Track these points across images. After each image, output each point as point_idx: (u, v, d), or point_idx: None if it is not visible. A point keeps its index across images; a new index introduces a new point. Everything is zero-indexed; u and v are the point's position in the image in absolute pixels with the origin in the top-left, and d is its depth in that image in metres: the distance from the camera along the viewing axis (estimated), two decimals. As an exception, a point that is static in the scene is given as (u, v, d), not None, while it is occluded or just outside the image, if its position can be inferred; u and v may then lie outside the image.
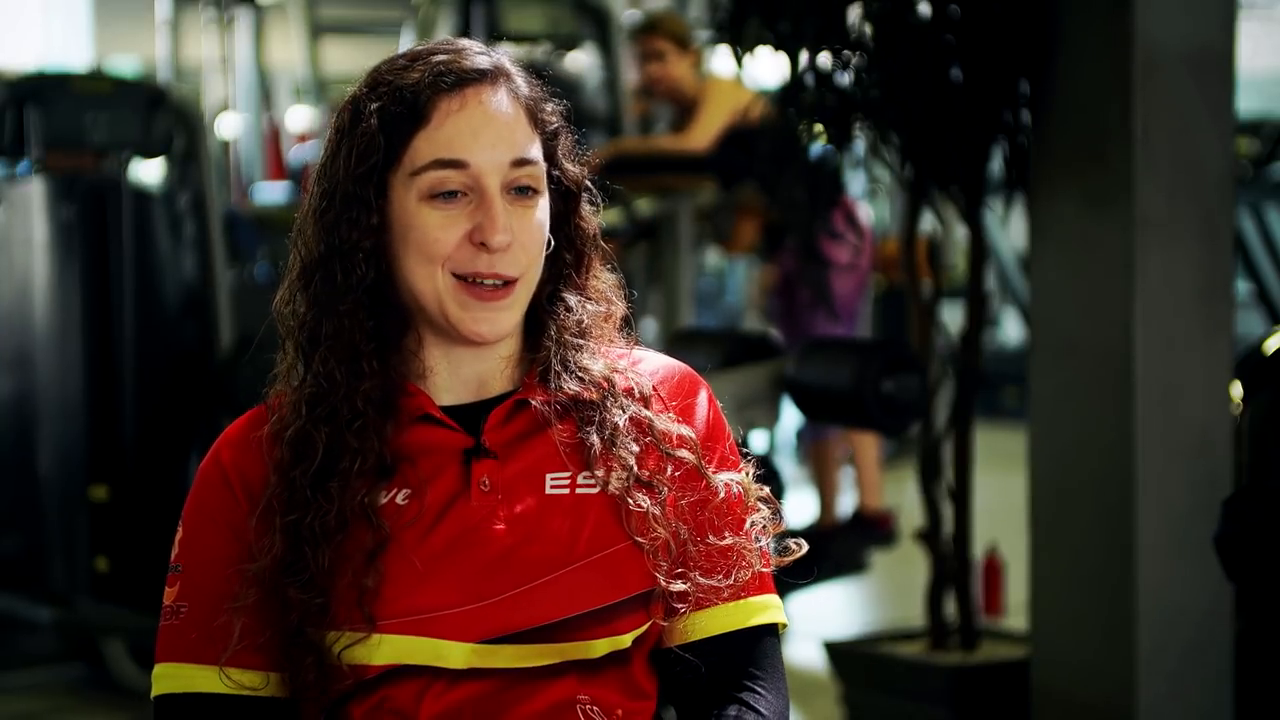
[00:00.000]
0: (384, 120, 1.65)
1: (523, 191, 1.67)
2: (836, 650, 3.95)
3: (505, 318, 1.67)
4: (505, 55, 1.72)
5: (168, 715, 1.67)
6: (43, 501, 4.92)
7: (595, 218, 1.76)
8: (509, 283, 1.66)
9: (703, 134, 5.70)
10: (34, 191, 4.96)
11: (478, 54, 1.69)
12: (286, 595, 1.62)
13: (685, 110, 5.92)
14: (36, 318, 4.94)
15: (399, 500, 1.66)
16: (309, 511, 1.63)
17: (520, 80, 1.70)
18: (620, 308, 1.78)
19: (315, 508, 1.63)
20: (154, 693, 1.68)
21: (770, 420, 4.12)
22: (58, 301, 4.92)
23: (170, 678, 1.67)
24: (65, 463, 4.91)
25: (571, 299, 1.74)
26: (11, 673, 4.94)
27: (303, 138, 10.05)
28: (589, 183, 1.76)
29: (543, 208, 1.69)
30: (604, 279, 1.78)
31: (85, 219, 4.94)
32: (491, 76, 1.67)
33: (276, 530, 1.63)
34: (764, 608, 1.73)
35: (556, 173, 1.72)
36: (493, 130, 1.66)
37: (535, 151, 1.68)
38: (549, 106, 1.72)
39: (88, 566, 4.88)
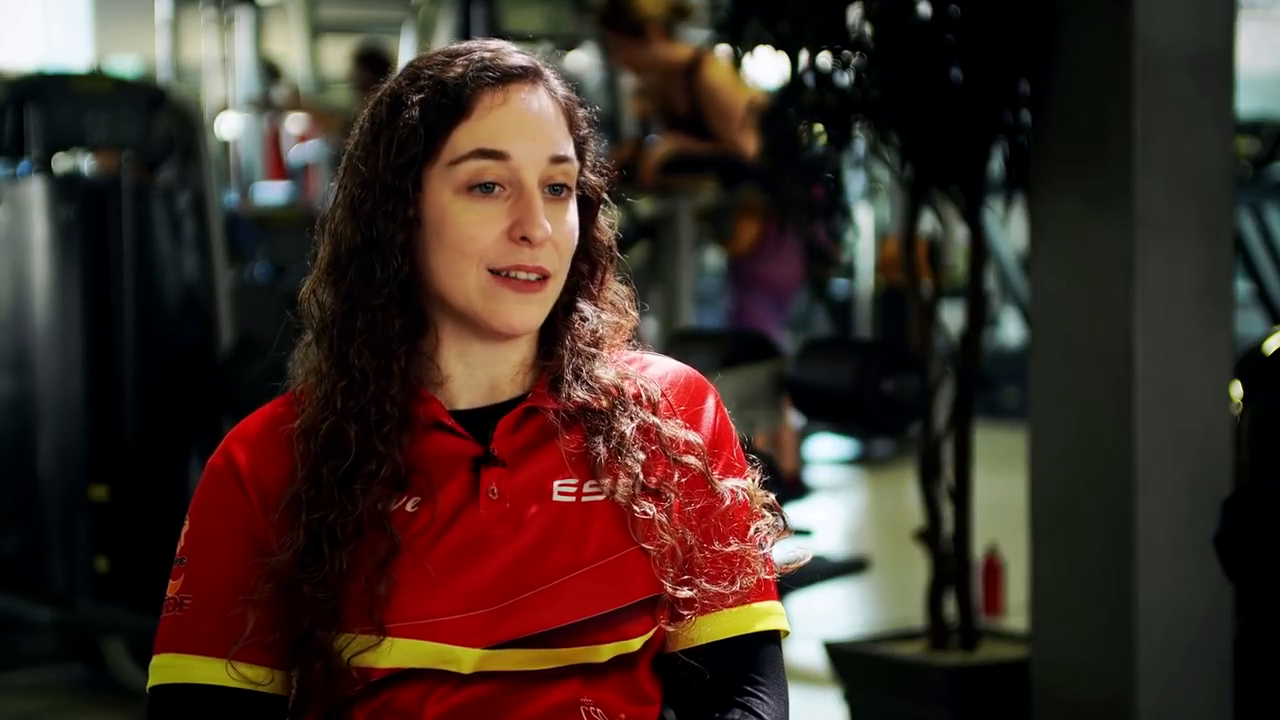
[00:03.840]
0: (425, 112, 1.66)
1: (557, 190, 1.68)
2: (836, 650, 3.95)
3: (536, 311, 1.68)
4: (540, 57, 1.73)
5: (164, 705, 1.67)
6: (43, 501, 4.92)
7: (611, 229, 1.77)
8: (543, 278, 1.66)
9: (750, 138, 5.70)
10: (34, 191, 4.96)
11: (517, 53, 1.70)
12: (300, 594, 1.61)
13: (695, 103, 5.89)
14: (36, 318, 4.93)
15: (409, 508, 1.67)
16: (334, 511, 1.63)
17: (556, 83, 1.72)
18: (633, 319, 1.78)
19: (339, 508, 1.63)
20: (151, 683, 1.68)
21: (770, 420, 4.12)
22: (58, 301, 4.92)
23: (170, 668, 1.66)
24: (65, 463, 4.91)
25: (587, 308, 1.75)
26: (11, 673, 4.94)
27: (303, 138, 10.04)
28: (606, 194, 1.76)
29: (573, 210, 1.70)
30: (618, 290, 1.78)
31: (85, 219, 4.94)
32: (532, 76, 1.69)
33: (300, 526, 1.63)
34: (767, 614, 1.74)
35: (581, 179, 1.73)
36: (533, 126, 1.67)
37: (570, 150, 1.70)
38: (582, 112, 1.74)
39: (88, 566, 4.87)
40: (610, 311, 1.77)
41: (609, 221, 1.77)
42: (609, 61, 7.14)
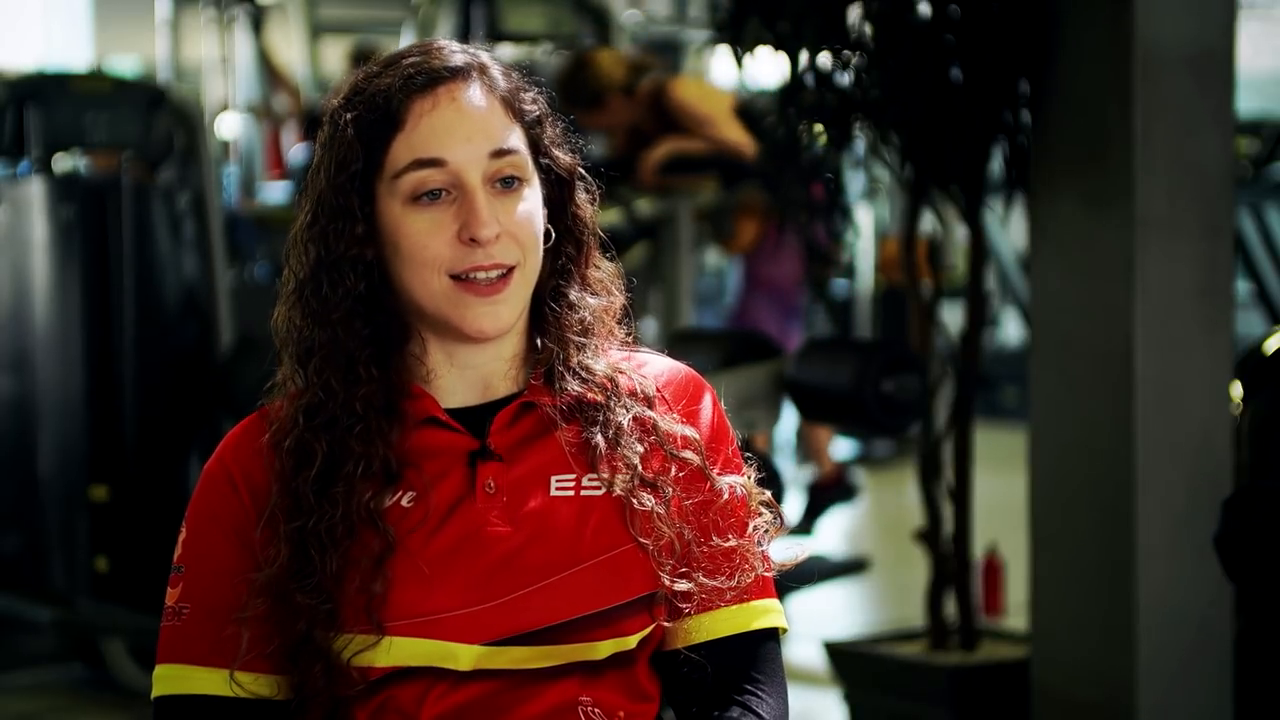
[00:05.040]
0: (360, 129, 1.65)
1: (508, 183, 1.66)
2: (836, 650, 3.95)
3: (505, 311, 1.66)
4: (481, 50, 1.71)
5: (168, 717, 1.67)
6: (43, 501, 4.92)
7: (591, 205, 1.76)
8: (506, 274, 1.65)
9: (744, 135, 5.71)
10: (34, 191, 4.96)
11: (450, 52, 1.69)
12: (294, 602, 1.61)
13: (663, 114, 5.90)
14: (36, 318, 4.94)
15: (404, 503, 1.66)
16: (314, 517, 1.62)
17: (496, 73, 1.69)
18: (620, 298, 1.77)
19: (321, 513, 1.62)
20: (154, 693, 1.68)
21: (770, 420, 4.12)
22: (58, 301, 4.92)
23: (171, 679, 1.66)
24: (65, 463, 4.91)
25: (573, 295, 1.73)
26: (11, 673, 4.94)
27: (302, 138, 10.04)
28: (583, 169, 1.75)
29: (530, 197, 1.68)
30: (604, 268, 1.77)
31: (85, 219, 4.94)
32: (464, 73, 1.67)
33: (282, 539, 1.63)
34: (766, 611, 1.74)
35: (546, 161, 1.71)
36: (467, 125, 1.65)
37: (515, 141, 1.67)
38: (528, 95, 1.71)
39: (88, 566, 4.88)
40: (599, 293, 1.75)
41: (589, 198, 1.76)
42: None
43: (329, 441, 1.65)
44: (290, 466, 1.65)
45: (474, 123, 1.66)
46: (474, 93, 1.67)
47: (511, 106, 1.69)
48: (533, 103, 1.71)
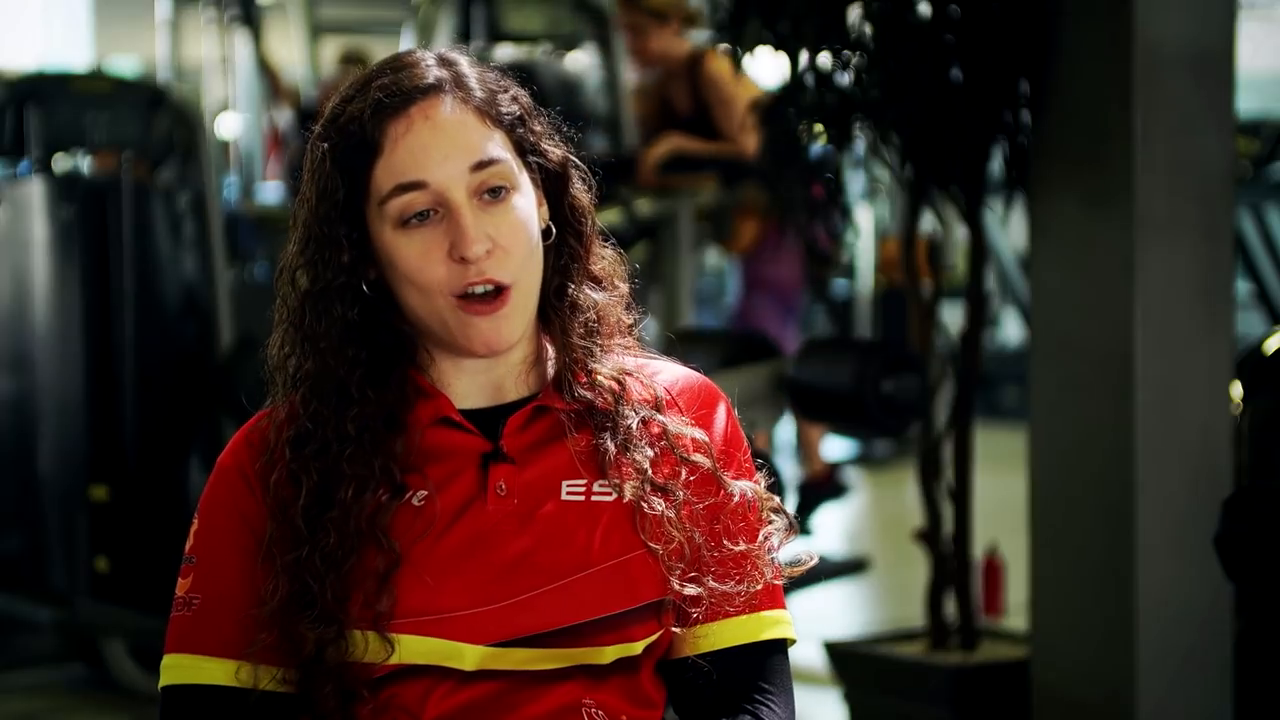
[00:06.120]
0: (337, 158, 1.65)
1: (495, 193, 1.65)
2: (837, 650, 3.95)
3: (508, 325, 1.66)
4: (460, 57, 1.69)
5: (175, 705, 1.67)
6: (43, 501, 4.92)
7: (588, 194, 1.74)
8: (503, 289, 1.64)
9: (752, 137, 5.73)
10: (34, 191, 4.96)
11: (424, 67, 1.66)
12: (299, 633, 1.61)
13: (699, 99, 5.93)
14: (36, 318, 4.93)
15: (415, 502, 1.66)
16: (308, 547, 1.62)
17: (470, 81, 1.67)
18: (624, 288, 1.76)
19: (314, 543, 1.62)
20: (162, 683, 1.67)
21: (770, 420, 4.12)
22: (58, 301, 4.92)
23: (180, 668, 1.66)
24: (65, 463, 4.91)
25: (579, 294, 1.72)
26: (11, 673, 4.94)
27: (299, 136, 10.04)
28: (576, 159, 1.73)
29: (520, 205, 1.66)
30: (607, 257, 1.76)
31: (85, 219, 4.94)
32: (435, 89, 1.65)
33: (280, 571, 1.62)
34: (776, 622, 1.73)
35: (536, 160, 1.70)
36: (444, 142, 1.63)
37: (496, 149, 1.66)
38: (505, 98, 1.69)
39: (88, 566, 4.87)
40: (603, 285, 1.74)
41: (585, 187, 1.74)
42: (620, 53, 7.17)
43: (319, 470, 1.64)
44: (283, 499, 1.64)
45: (451, 139, 1.64)
46: (447, 108, 1.64)
47: (489, 114, 1.66)
48: (512, 103, 1.69)
